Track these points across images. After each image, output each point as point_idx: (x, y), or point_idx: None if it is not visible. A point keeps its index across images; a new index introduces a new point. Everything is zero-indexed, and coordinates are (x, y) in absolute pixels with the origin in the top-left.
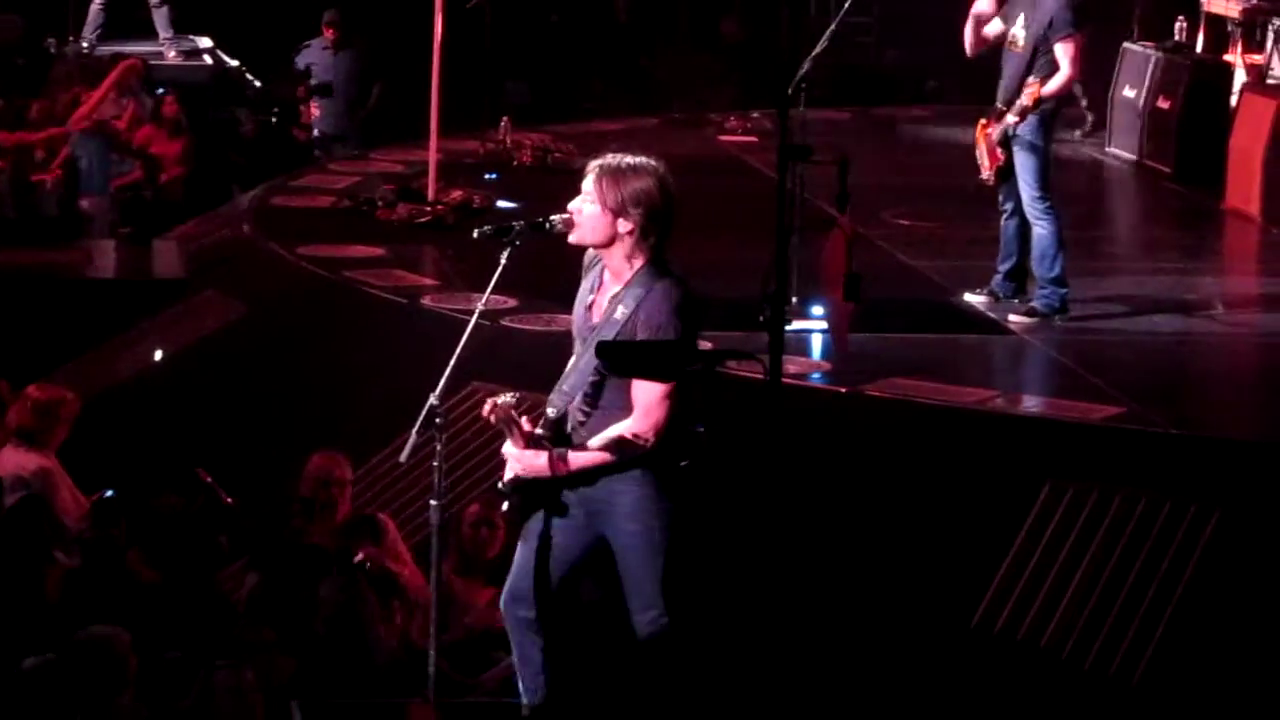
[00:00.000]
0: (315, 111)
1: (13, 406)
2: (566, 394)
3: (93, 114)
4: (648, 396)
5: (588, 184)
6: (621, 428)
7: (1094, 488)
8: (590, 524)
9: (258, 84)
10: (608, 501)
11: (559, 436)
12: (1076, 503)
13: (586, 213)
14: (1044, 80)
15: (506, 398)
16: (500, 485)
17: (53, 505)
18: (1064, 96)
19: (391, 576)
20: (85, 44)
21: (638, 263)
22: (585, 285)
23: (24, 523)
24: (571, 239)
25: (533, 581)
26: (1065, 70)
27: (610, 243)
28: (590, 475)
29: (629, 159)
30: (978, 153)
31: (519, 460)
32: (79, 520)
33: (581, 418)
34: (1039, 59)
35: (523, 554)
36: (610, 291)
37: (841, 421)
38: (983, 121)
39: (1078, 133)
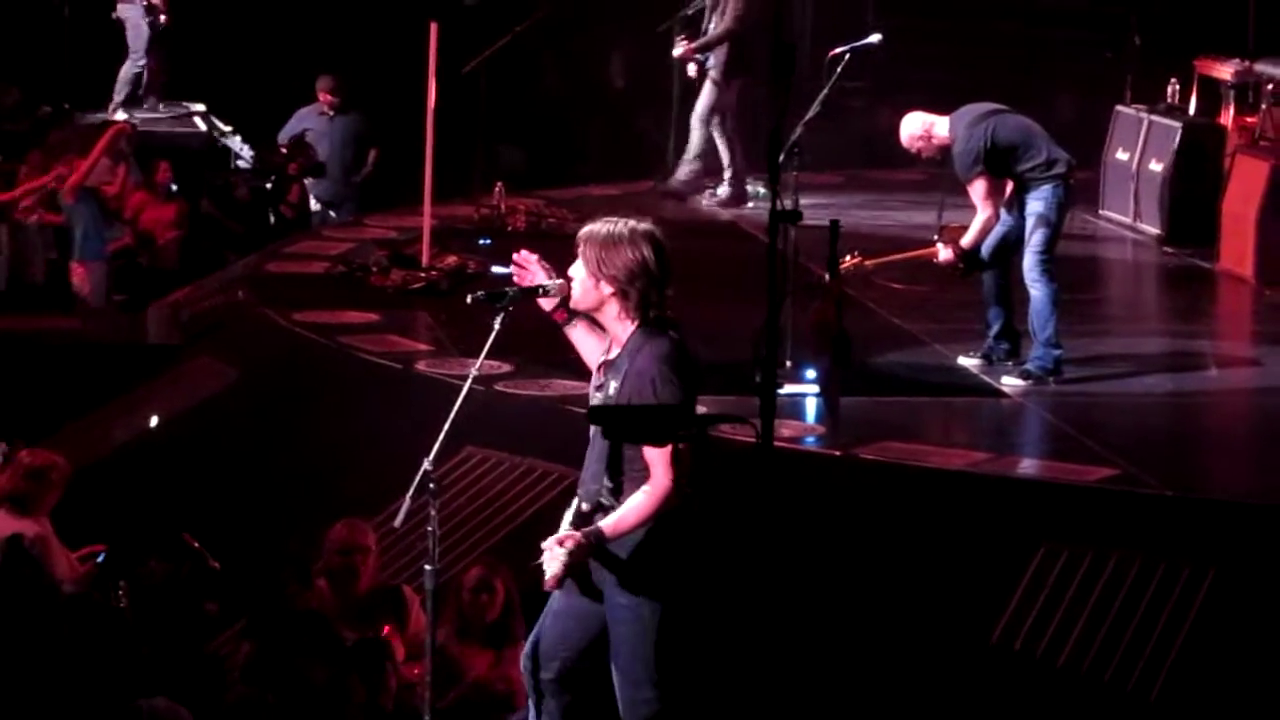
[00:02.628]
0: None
1: (4, 473)
2: (591, 481)
3: (84, 181)
4: (658, 457)
5: (580, 253)
6: (643, 493)
7: (1089, 549)
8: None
9: (249, 152)
10: (610, 593)
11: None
12: (1071, 564)
13: (576, 278)
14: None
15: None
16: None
17: (48, 569)
18: (1067, 171)
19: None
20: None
21: (629, 325)
22: (599, 355)
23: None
24: (572, 305)
25: (556, 646)
26: (980, 212)
27: (599, 307)
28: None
29: (613, 224)
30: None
31: (564, 555)
32: (74, 584)
33: (609, 498)
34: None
35: (549, 615)
36: (612, 358)
37: (836, 485)
38: (935, 238)
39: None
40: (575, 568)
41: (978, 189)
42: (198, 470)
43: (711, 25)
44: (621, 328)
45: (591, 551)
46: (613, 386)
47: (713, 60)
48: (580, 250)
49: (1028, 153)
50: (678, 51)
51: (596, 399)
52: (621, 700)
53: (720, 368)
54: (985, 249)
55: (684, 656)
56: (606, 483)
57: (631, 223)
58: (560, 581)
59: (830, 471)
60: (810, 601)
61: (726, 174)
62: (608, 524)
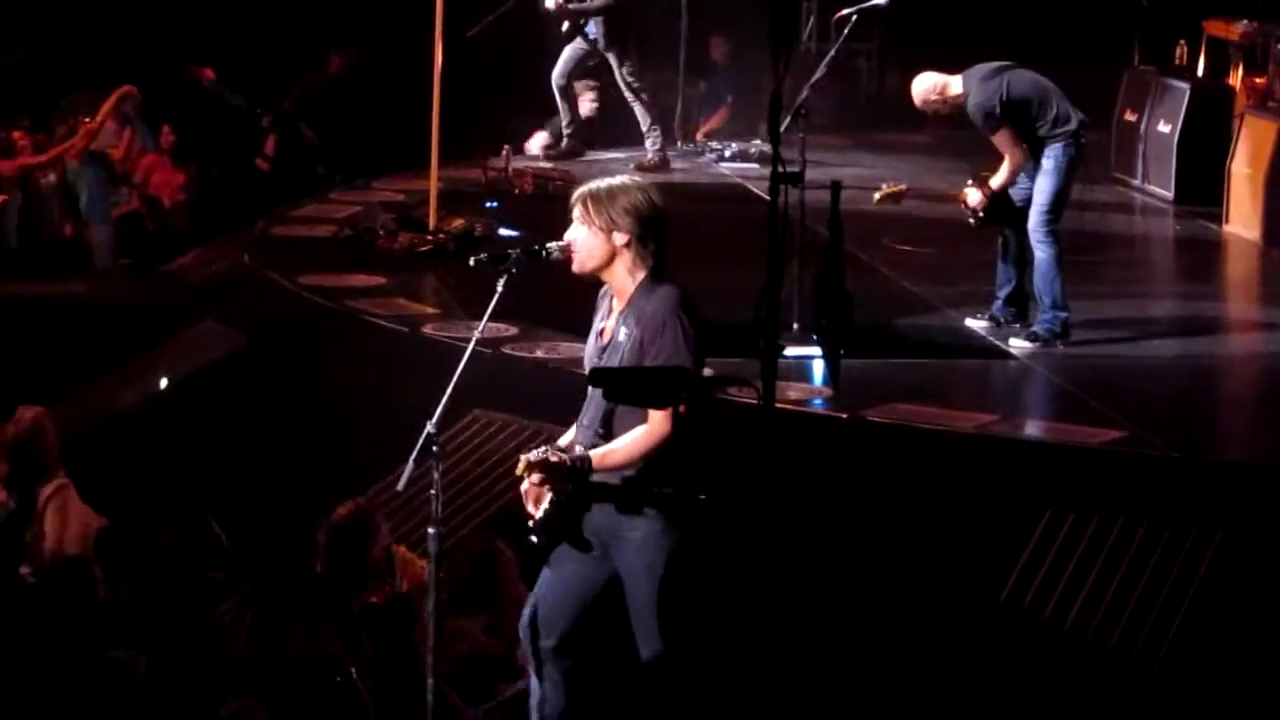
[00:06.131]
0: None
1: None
2: (588, 428)
3: (90, 143)
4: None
5: (575, 212)
6: (640, 429)
7: (1095, 512)
8: (607, 556)
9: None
10: (618, 534)
11: None
12: (1078, 527)
13: (581, 239)
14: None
15: (537, 454)
16: (530, 524)
17: (52, 528)
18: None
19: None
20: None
21: (640, 275)
22: (596, 318)
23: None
24: (575, 269)
25: (555, 612)
26: (1009, 157)
27: (610, 261)
28: (604, 500)
29: (610, 179)
30: (962, 206)
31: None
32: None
33: (600, 443)
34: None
35: (546, 583)
36: (617, 313)
37: (842, 447)
38: (970, 182)
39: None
40: (566, 515)
41: (1003, 137)
42: (204, 434)
43: None
44: (631, 280)
45: (573, 476)
46: (623, 333)
47: (593, 29)
48: (583, 209)
49: (1041, 108)
50: (550, 3)
51: (596, 358)
52: (640, 652)
53: (726, 330)
54: (1014, 199)
55: (696, 610)
56: (600, 428)
57: (624, 176)
58: (548, 518)
59: (837, 434)
60: (816, 563)
61: (565, 129)
62: (597, 453)
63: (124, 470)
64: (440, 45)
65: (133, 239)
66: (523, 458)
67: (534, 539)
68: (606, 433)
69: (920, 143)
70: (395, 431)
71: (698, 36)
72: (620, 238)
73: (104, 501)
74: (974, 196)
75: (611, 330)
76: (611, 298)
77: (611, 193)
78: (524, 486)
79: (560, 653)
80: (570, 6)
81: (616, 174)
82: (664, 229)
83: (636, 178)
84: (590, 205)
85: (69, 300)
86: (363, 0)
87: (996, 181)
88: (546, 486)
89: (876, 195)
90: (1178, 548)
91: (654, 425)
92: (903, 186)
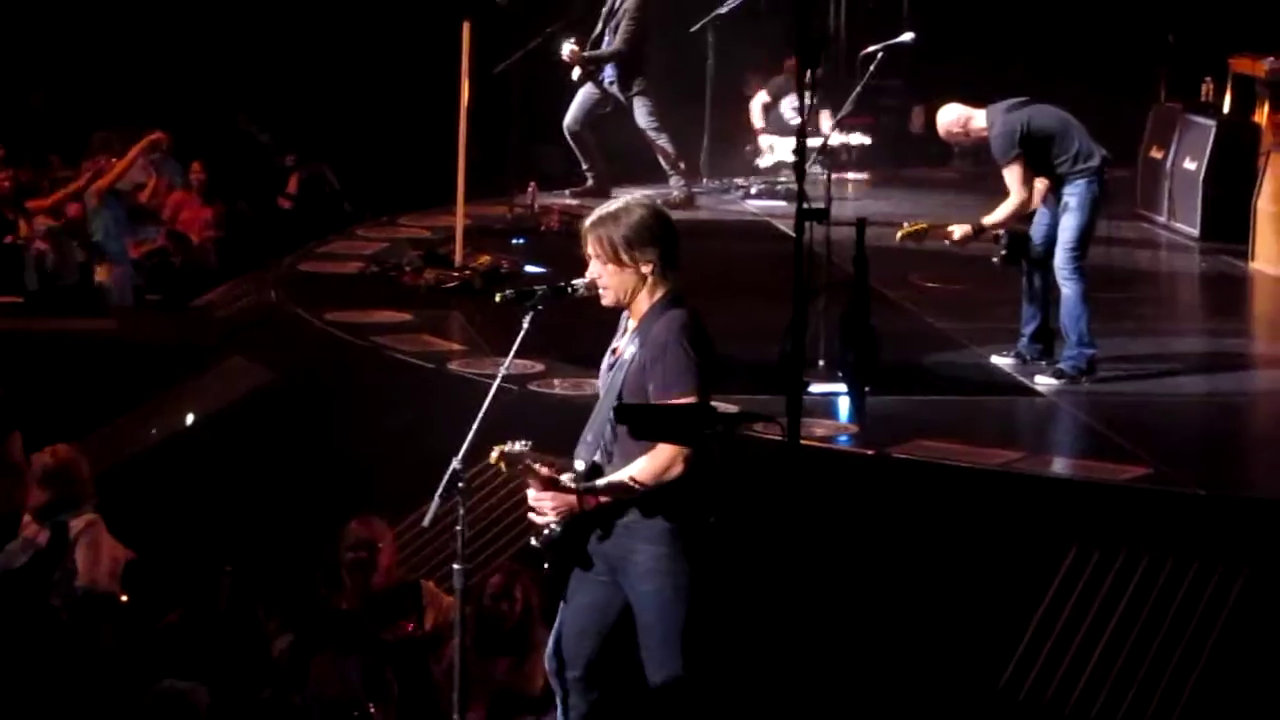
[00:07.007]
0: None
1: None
2: (590, 444)
3: (112, 184)
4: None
5: (591, 249)
6: (646, 457)
7: (1121, 549)
8: (616, 583)
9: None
10: (626, 560)
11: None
12: (1104, 564)
13: (608, 276)
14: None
15: (516, 446)
16: (534, 543)
17: (84, 563)
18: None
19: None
20: None
21: (658, 294)
22: (615, 336)
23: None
24: (608, 304)
25: (576, 642)
26: (1012, 195)
27: (638, 289)
28: (610, 525)
29: (611, 204)
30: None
31: (549, 501)
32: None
33: (604, 461)
34: None
35: (565, 615)
36: (630, 332)
37: (868, 484)
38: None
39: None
40: (570, 533)
41: (1013, 173)
42: (232, 469)
43: (605, 37)
44: (649, 300)
45: (581, 504)
46: (629, 352)
47: (609, 74)
48: (596, 244)
49: (1063, 143)
50: (565, 53)
51: (605, 375)
52: (649, 680)
53: (751, 366)
54: (1035, 241)
55: (712, 640)
56: (607, 445)
57: (626, 197)
58: (553, 538)
59: (862, 470)
60: (841, 599)
61: (586, 171)
62: (603, 482)
63: (152, 506)
64: (467, 82)
65: (160, 276)
66: (497, 449)
67: (535, 543)
68: (610, 452)
69: (947, 178)
70: (421, 467)
71: (729, 74)
72: (646, 267)
73: (132, 536)
74: (958, 231)
75: (621, 349)
76: (629, 317)
77: (619, 216)
78: (530, 496)
79: (586, 684)
80: (585, 55)
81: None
82: (675, 242)
83: (636, 195)
84: (602, 237)
85: (96, 337)
86: (390, 36)
87: (990, 219)
88: (545, 499)
89: (899, 234)
90: (1203, 584)
91: (665, 460)
92: (924, 224)
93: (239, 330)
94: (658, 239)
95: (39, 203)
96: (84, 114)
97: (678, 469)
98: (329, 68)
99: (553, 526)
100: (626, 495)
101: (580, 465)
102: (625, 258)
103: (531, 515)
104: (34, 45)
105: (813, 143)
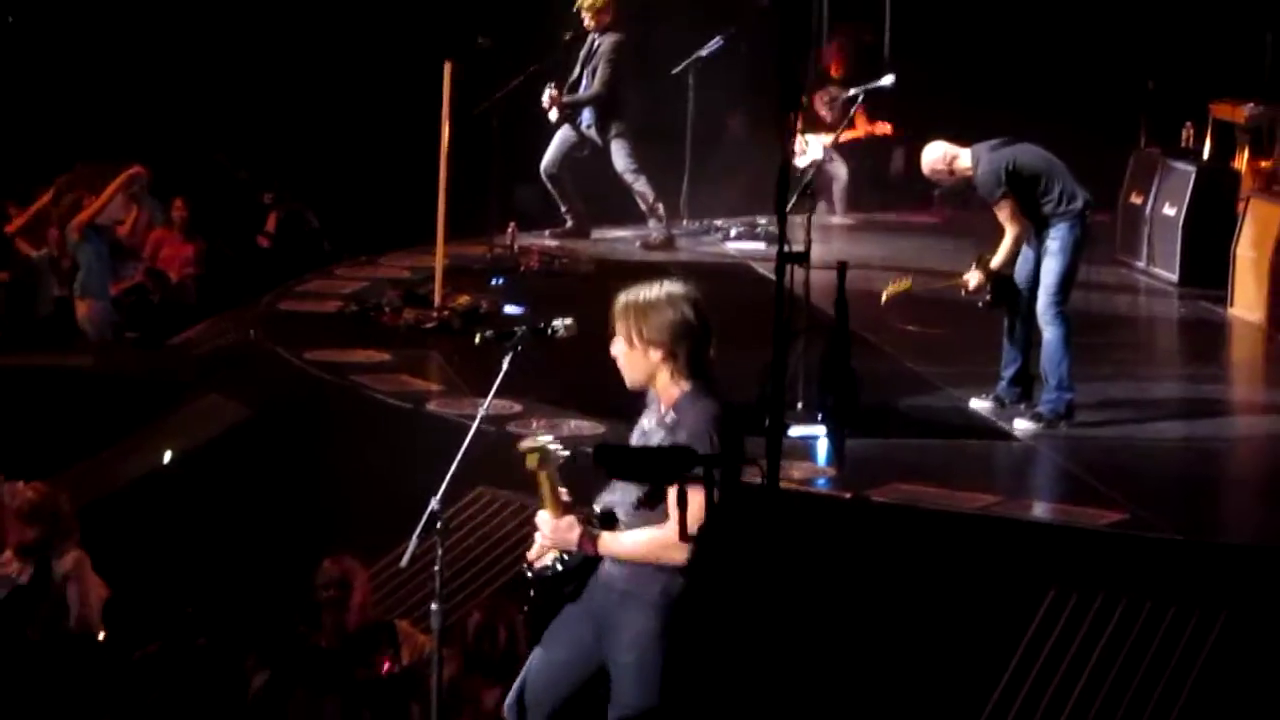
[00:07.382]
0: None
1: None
2: (619, 491)
3: (93, 218)
4: (672, 504)
5: (618, 326)
6: (656, 529)
7: (1099, 592)
8: (598, 644)
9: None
10: (613, 626)
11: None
12: (1081, 607)
13: (622, 356)
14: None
15: (552, 446)
16: (526, 569)
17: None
18: (1084, 208)
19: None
20: None
21: (684, 385)
22: (643, 414)
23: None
24: (627, 384)
25: (544, 693)
26: (1009, 231)
27: (653, 376)
28: (607, 588)
29: (646, 289)
30: (963, 291)
31: (550, 530)
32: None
33: (623, 513)
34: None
35: (536, 663)
36: (660, 416)
37: (846, 527)
38: (974, 266)
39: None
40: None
41: (1004, 209)
42: (208, 507)
43: (584, 80)
44: (675, 388)
45: (580, 544)
46: (658, 438)
47: (586, 117)
48: (623, 325)
49: (1048, 184)
50: (545, 99)
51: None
52: None
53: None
54: (1019, 281)
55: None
56: (629, 500)
57: (666, 285)
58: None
59: (841, 513)
60: (819, 642)
61: (564, 214)
62: (608, 535)
63: (127, 543)
64: (448, 122)
65: (138, 313)
66: (529, 441)
67: (529, 572)
68: (635, 503)
69: (928, 223)
70: (399, 507)
71: (712, 114)
72: (655, 354)
73: (109, 573)
74: (974, 279)
75: (650, 431)
76: (658, 398)
77: (648, 309)
78: (537, 539)
79: None
80: (565, 99)
81: (656, 280)
82: (705, 341)
83: (678, 287)
84: (629, 322)
85: (72, 372)
86: (370, 76)
87: (996, 260)
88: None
89: (884, 295)
90: (1181, 629)
91: (668, 541)
92: (908, 281)
93: (217, 368)
94: (683, 339)
95: (14, 224)
96: (65, 148)
97: (679, 555)
98: (311, 107)
99: (554, 565)
100: (625, 558)
101: (598, 508)
102: (654, 346)
103: (532, 552)
104: (13, 79)
105: (814, 142)
